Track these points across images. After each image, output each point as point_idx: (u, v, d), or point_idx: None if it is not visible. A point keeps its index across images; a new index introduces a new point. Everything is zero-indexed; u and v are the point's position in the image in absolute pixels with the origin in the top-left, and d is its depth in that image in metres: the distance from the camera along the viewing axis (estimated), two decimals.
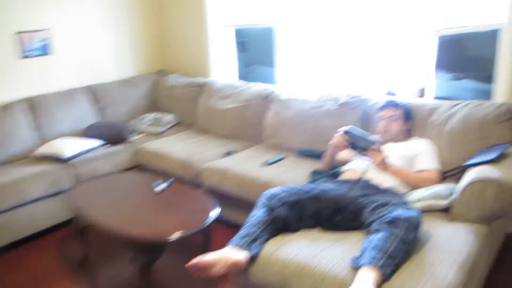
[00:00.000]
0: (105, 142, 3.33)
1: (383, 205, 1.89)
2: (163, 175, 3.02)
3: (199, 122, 3.72)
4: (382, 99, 2.72)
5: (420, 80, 2.98)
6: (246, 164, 2.78)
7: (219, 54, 4.03)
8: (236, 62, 4.12)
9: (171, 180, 2.57)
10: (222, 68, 4.08)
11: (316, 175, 2.51)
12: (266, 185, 2.49)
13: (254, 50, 4.32)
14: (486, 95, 2.96)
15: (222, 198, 2.74)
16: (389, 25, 2.94)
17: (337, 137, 2.34)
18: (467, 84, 3.15)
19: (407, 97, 2.96)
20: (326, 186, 2.19)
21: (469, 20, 2.64)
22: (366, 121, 2.81)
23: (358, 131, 2.30)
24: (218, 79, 3.85)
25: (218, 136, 3.49)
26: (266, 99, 3.32)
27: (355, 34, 3.13)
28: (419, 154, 2.35)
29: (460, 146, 2.30)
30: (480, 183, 1.84)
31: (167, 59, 4.44)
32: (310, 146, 2.95)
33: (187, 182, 2.98)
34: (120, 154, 3.30)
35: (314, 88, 3.24)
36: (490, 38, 2.76)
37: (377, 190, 2.12)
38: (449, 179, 2.32)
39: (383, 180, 2.20)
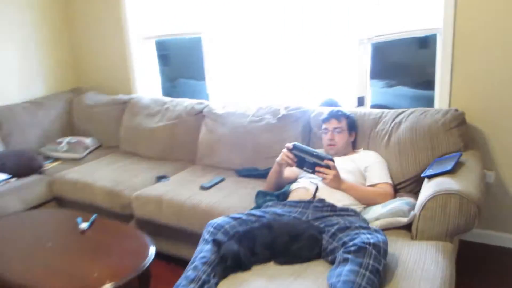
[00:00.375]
0: (11, 176, 2.83)
1: (344, 229, 1.70)
2: (86, 208, 2.64)
3: (124, 144, 3.34)
4: (325, 110, 2.58)
5: (356, 89, 2.88)
6: (183, 189, 2.48)
7: (141, 68, 3.68)
8: (158, 77, 3.79)
9: (93, 217, 2.19)
10: (146, 84, 3.74)
11: (262, 198, 2.27)
12: (208, 213, 2.22)
13: (179, 63, 4.04)
14: (424, 101, 2.96)
15: (159, 229, 2.43)
16: (323, 32, 2.82)
17: (283, 154, 2.14)
18: (401, 91, 3.13)
19: (345, 107, 2.86)
20: (276, 210, 1.97)
21: (401, 26, 2.59)
22: (308, 134, 2.65)
23: (303, 147, 2.12)
24: (142, 95, 3.50)
25: (147, 158, 3.15)
26: (199, 115, 3.05)
27: (289, 42, 2.98)
28: (369, 167, 2.22)
29: (409, 156, 2.20)
30: (442, 197, 1.72)
31: (83, 75, 3.99)
32: (250, 164, 2.72)
33: (116, 215, 2.61)
34: (32, 187, 2.83)
35: (250, 101, 3.02)
36: (422, 43, 2.74)
37: (333, 210, 1.94)
38: (401, 192, 2.22)
39: (338, 199, 2.03)
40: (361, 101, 2.92)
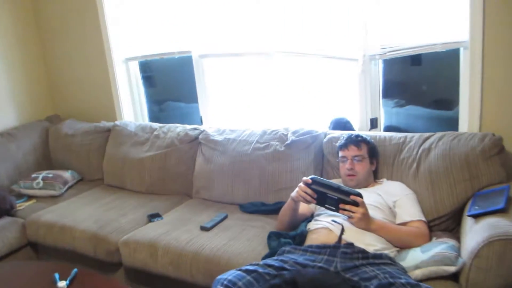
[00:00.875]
0: None
1: (386, 286, 1.39)
2: (66, 255, 2.28)
3: (108, 177, 2.98)
4: (338, 134, 2.29)
5: (368, 109, 2.61)
6: (180, 231, 2.12)
7: (125, 92, 3.35)
8: (144, 100, 3.46)
9: (73, 273, 1.80)
10: (130, 109, 3.40)
11: (275, 240, 1.94)
12: (212, 261, 1.89)
13: (166, 85, 3.72)
14: (441, 122, 2.69)
15: (153, 281, 2.09)
16: (329, 47, 2.55)
17: (300, 190, 1.83)
18: (413, 110, 2.87)
19: (358, 130, 2.58)
20: (297, 259, 1.64)
21: (416, 40, 2.33)
22: (321, 162, 2.35)
23: (324, 180, 1.81)
24: (128, 122, 3.15)
25: (136, 193, 2.78)
26: (194, 142, 2.72)
27: (291, 59, 2.70)
28: (398, 201, 1.92)
29: (444, 189, 1.90)
30: (500, 243, 1.42)
31: (60, 101, 3.62)
32: (256, 198, 2.39)
33: (101, 263, 2.24)
34: (2, 232, 2.42)
35: (251, 125, 2.71)
36: (443, 58, 2.49)
37: (365, 257, 1.62)
38: (435, 231, 1.92)
39: (368, 242, 1.71)
40: (374, 123, 2.64)
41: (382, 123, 2.66)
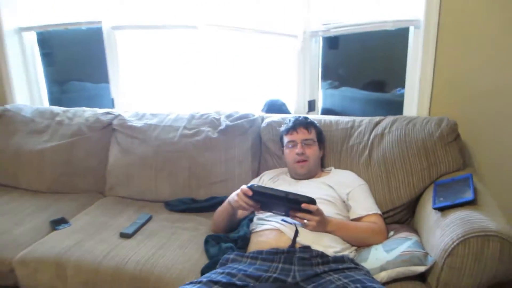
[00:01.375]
0: None
1: None
2: None
3: None
4: (281, 118, 2.03)
5: (306, 91, 2.38)
6: (95, 241, 1.72)
7: (18, 70, 2.76)
8: (43, 80, 2.91)
9: None
10: (25, 90, 2.83)
11: (214, 246, 1.64)
12: (139, 278, 1.52)
13: (69, 61, 3.18)
14: (379, 105, 2.56)
15: None
16: (264, 22, 2.27)
17: (239, 199, 1.53)
18: (347, 92, 2.72)
19: (294, 113, 2.35)
20: (247, 269, 1.36)
21: (363, 17, 2.14)
22: (259, 150, 2.08)
23: (267, 189, 1.51)
24: (22, 105, 2.59)
25: (33, 193, 2.27)
26: (106, 129, 2.28)
27: (218, 33, 2.36)
28: (351, 193, 1.71)
29: (400, 178, 1.74)
30: (477, 240, 1.27)
31: None
32: (184, 194, 2.06)
33: None
34: None
35: (176, 108, 2.34)
36: (384, 38, 2.33)
37: (325, 262, 1.39)
38: (389, 223, 1.75)
39: (326, 244, 1.48)
40: (312, 106, 2.42)
41: (320, 106, 2.46)
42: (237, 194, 1.52)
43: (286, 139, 1.82)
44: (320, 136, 1.87)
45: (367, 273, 1.38)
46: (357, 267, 1.39)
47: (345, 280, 1.27)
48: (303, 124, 1.81)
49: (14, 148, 2.36)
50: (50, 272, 1.61)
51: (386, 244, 1.51)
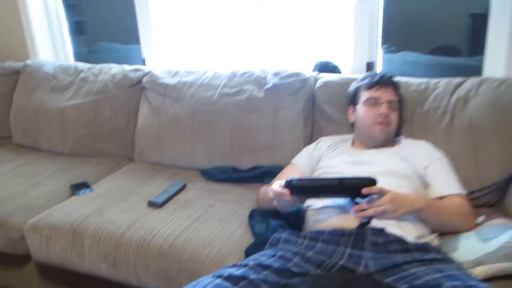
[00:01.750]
0: None
1: None
2: None
3: (17, 134, 2.21)
4: (340, 78, 1.71)
5: (364, 52, 2.04)
6: (118, 209, 1.47)
7: (40, 23, 2.53)
8: (67, 35, 2.67)
9: None
10: (48, 46, 2.60)
11: (261, 223, 1.34)
12: (169, 255, 1.27)
13: (98, 22, 2.95)
14: (446, 71, 2.22)
15: (78, 280, 1.43)
16: None
17: (277, 203, 1.23)
18: (408, 57, 2.38)
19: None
20: (305, 252, 1.07)
21: None
22: (311, 115, 1.76)
23: (307, 179, 1.21)
24: (44, 61, 2.36)
25: (55, 155, 2.06)
26: (136, 87, 2.02)
27: None
28: (429, 168, 1.37)
29: (492, 151, 1.39)
30: None
31: None
32: (224, 161, 1.78)
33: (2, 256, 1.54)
34: None
35: (215, 66, 2.04)
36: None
37: (406, 250, 1.08)
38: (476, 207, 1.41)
39: (404, 226, 1.17)
40: (370, 69, 2.09)
41: (379, 70, 2.12)
42: (273, 191, 1.20)
43: (366, 94, 1.46)
44: (402, 102, 1.54)
45: (460, 267, 1.06)
46: (446, 259, 1.07)
47: (438, 275, 0.96)
48: (392, 82, 1.48)
49: (34, 106, 2.14)
50: (64, 241, 1.37)
51: (482, 232, 1.19)
